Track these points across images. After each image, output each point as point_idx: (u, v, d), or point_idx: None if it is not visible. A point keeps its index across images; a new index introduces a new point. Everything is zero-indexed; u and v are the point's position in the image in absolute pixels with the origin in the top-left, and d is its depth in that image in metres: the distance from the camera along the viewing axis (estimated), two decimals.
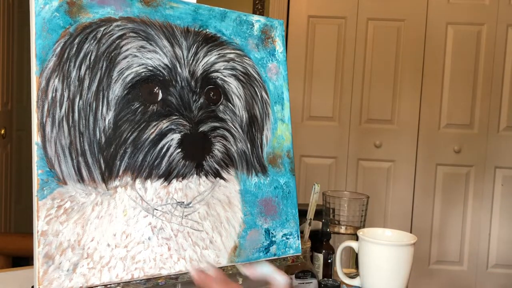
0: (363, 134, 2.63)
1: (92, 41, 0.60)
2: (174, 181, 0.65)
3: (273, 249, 0.74)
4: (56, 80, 0.57)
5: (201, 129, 0.67)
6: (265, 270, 0.56)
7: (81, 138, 0.58)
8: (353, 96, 2.61)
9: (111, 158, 0.60)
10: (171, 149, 0.64)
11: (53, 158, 0.55)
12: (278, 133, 0.77)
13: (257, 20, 0.77)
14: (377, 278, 0.83)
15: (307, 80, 2.63)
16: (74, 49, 0.59)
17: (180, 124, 0.65)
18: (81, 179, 0.57)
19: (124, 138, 0.61)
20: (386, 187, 2.64)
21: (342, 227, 0.99)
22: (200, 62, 0.69)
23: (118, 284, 0.58)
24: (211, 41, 0.71)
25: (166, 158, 0.64)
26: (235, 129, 0.72)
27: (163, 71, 0.65)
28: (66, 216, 0.56)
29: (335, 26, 2.62)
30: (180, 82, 0.66)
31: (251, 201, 0.72)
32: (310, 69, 2.63)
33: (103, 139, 0.59)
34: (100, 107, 0.60)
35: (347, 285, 0.88)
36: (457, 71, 2.57)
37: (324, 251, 0.93)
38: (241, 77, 0.74)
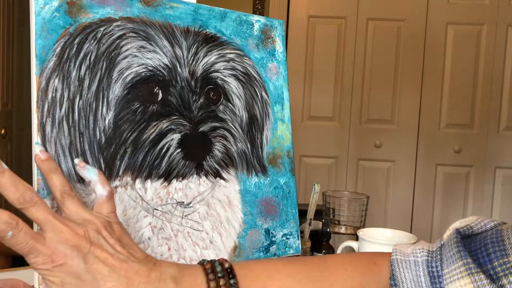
0: (363, 134, 2.63)
1: (92, 41, 0.60)
2: (174, 181, 0.65)
3: (273, 249, 0.74)
4: (56, 80, 0.57)
5: (201, 129, 0.67)
6: (90, 176, 0.53)
7: (81, 138, 0.58)
8: (353, 96, 2.62)
9: (111, 158, 0.60)
10: (171, 149, 0.64)
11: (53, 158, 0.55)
12: (278, 133, 0.77)
13: (257, 20, 0.77)
14: None
15: (307, 80, 2.64)
16: (74, 49, 0.59)
17: (180, 124, 0.65)
18: (81, 179, 0.57)
19: (124, 138, 0.61)
20: (386, 187, 2.64)
21: (342, 227, 0.99)
22: (200, 62, 0.69)
23: None
24: (211, 41, 0.71)
25: (166, 158, 0.64)
26: (235, 129, 0.72)
27: (163, 71, 0.65)
28: None
29: (335, 26, 2.62)
30: (180, 82, 0.66)
31: (251, 201, 0.72)
32: (310, 69, 2.63)
33: (103, 139, 0.59)
34: (100, 107, 0.60)
35: None
36: (457, 71, 2.57)
37: (324, 251, 0.93)
38: (241, 77, 0.74)
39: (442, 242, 0.52)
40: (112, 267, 0.46)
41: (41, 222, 0.46)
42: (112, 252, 0.47)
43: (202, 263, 0.52)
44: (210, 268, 0.51)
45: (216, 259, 0.53)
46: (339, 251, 0.88)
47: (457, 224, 0.53)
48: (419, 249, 0.53)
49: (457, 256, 0.47)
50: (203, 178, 0.67)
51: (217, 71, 0.71)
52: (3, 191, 0.45)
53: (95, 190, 0.52)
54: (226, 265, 0.51)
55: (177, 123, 0.65)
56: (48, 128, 0.56)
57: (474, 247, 0.49)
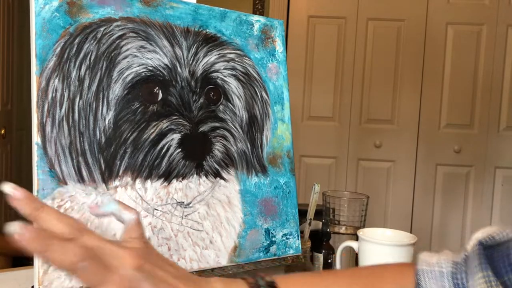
0: (363, 134, 2.63)
1: (92, 41, 0.60)
2: (174, 181, 0.65)
3: (273, 249, 0.74)
4: (56, 80, 0.57)
5: (201, 129, 0.67)
6: (111, 209, 0.51)
7: (81, 138, 0.58)
8: (353, 96, 2.61)
9: (111, 158, 0.60)
10: (171, 149, 0.64)
11: (53, 158, 0.55)
12: (278, 133, 0.77)
13: (257, 20, 0.77)
14: None
15: (307, 80, 2.63)
16: (74, 49, 0.59)
17: (180, 124, 0.65)
18: (81, 179, 0.57)
19: (124, 138, 0.61)
20: (386, 187, 2.64)
21: (342, 227, 0.99)
22: (200, 62, 0.69)
23: None
24: (211, 41, 0.71)
25: (166, 158, 0.64)
26: (235, 129, 0.72)
27: (163, 71, 0.65)
28: None
29: (335, 26, 2.62)
30: (180, 82, 0.66)
31: (251, 201, 0.72)
32: (310, 69, 2.63)
33: (103, 139, 0.59)
34: (100, 107, 0.60)
35: None
36: (457, 71, 2.57)
37: (324, 251, 0.93)
38: (241, 77, 0.74)
39: (467, 254, 0.53)
40: (175, 285, 0.45)
41: (97, 249, 0.42)
42: (171, 270, 0.46)
43: (243, 277, 0.52)
44: (254, 282, 0.51)
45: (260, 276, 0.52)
46: (339, 251, 0.88)
47: (479, 234, 0.54)
48: (444, 260, 0.55)
49: (478, 268, 0.49)
50: (203, 178, 0.67)
51: (217, 71, 0.71)
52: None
53: (123, 218, 0.49)
54: (268, 279, 0.51)
55: (177, 123, 0.65)
56: (48, 128, 0.56)
57: (496, 257, 0.50)
